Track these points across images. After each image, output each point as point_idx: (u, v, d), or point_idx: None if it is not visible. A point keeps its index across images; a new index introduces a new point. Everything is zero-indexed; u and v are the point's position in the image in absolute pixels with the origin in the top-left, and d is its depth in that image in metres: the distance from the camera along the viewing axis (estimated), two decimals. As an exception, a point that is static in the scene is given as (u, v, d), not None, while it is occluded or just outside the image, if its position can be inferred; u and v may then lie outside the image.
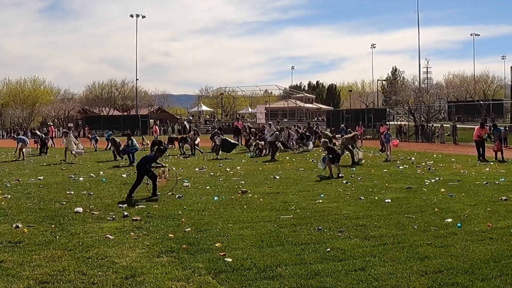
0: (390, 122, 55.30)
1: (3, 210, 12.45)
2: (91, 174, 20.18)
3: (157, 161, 15.27)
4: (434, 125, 52.22)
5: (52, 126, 50.31)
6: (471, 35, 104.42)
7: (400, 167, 22.16)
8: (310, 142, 35.45)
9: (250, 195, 14.67)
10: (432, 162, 24.42)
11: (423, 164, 23.57)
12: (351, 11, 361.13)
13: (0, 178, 19.22)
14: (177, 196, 14.47)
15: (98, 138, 40.40)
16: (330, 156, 19.26)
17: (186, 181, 17.75)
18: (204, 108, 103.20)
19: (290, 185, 16.97)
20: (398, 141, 34.04)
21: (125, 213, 11.74)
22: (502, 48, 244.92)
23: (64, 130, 31.62)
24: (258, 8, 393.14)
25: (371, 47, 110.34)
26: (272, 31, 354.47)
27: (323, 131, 43.21)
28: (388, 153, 26.84)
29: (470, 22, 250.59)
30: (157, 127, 45.32)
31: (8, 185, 17.31)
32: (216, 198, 13.96)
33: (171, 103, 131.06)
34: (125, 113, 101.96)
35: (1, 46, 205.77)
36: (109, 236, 9.53)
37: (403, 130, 52.44)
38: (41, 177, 19.35)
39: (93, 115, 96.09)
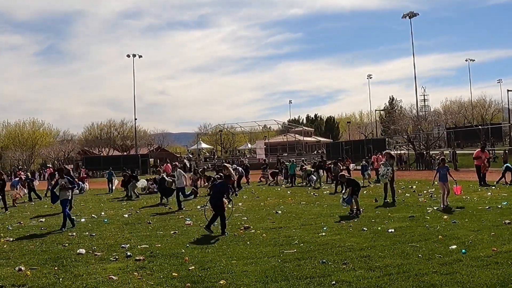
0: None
1: (6, 253, 12.41)
2: (93, 215, 20.11)
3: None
4: (433, 152, 52.27)
5: (51, 168, 49.84)
6: (466, 60, 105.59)
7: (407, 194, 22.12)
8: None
9: (253, 230, 14.60)
10: (433, 189, 24.36)
11: (425, 192, 23.55)
12: (344, 44, 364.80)
13: (2, 221, 19.14)
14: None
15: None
16: (355, 188, 17.73)
17: (188, 219, 17.71)
18: (204, 145, 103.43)
19: (292, 219, 16.91)
20: (460, 186, 20.46)
21: (128, 253, 11.67)
22: (498, 72, 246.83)
23: None
24: (252, 45, 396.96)
25: (367, 78, 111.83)
26: (268, 66, 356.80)
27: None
28: (445, 198, 17.97)
29: (464, 48, 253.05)
30: (169, 165, 43.97)
31: (10, 228, 17.27)
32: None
33: (171, 141, 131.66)
34: (125, 153, 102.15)
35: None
36: (113, 276, 9.46)
37: (403, 159, 52.51)
38: (43, 219, 19.33)
39: (92, 155, 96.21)
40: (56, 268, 10.46)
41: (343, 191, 18.21)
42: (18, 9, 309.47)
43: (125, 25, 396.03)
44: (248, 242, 12.69)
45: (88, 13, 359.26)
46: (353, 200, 17.50)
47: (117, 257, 11.44)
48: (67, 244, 13.34)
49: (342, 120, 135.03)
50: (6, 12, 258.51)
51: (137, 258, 11.18)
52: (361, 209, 17.48)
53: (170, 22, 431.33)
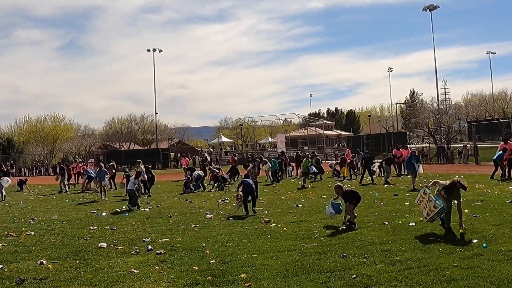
0: (411, 145, 54.93)
1: (27, 247, 12.52)
2: (116, 209, 20.19)
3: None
4: (454, 146, 51.83)
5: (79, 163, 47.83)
6: (487, 53, 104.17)
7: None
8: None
9: (274, 224, 14.61)
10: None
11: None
12: (364, 37, 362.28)
13: (23, 216, 19.27)
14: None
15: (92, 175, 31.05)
16: (354, 201, 14.14)
17: (209, 213, 17.76)
18: (224, 139, 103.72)
19: (313, 213, 16.88)
20: None
21: (149, 247, 11.73)
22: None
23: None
24: (273, 38, 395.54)
25: (388, 71, 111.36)
26: (288, 60, 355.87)
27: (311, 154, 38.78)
28: None
29: (484, 41, 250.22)
30: (188, 159, 42.88)
31: (32, 222, 17.42)
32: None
33: (191, 135, 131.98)
34: (146, 147, 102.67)
35: (20, 85, 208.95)
36: (134, 270, 9.52)
37: (424, 152, 52.14)
38: (60, 214, 19.41)
39: (113, 150, 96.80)
40: (77, 261, 10.55)
41: (335, 198, 14.96)
42: (37, 4, 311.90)
43: (145, 19, 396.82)
44: (268, 236, 12.70)
45: (108, 7, 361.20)
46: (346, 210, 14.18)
47: (138, 250, 11.51)
48: (88, 238, 13.44)
49: (363, 113, 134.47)
50: (25, 8, 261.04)
51: (158, 251, 11.24)
52: (356, 223, 13.81)
53: (190, 16, 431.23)
